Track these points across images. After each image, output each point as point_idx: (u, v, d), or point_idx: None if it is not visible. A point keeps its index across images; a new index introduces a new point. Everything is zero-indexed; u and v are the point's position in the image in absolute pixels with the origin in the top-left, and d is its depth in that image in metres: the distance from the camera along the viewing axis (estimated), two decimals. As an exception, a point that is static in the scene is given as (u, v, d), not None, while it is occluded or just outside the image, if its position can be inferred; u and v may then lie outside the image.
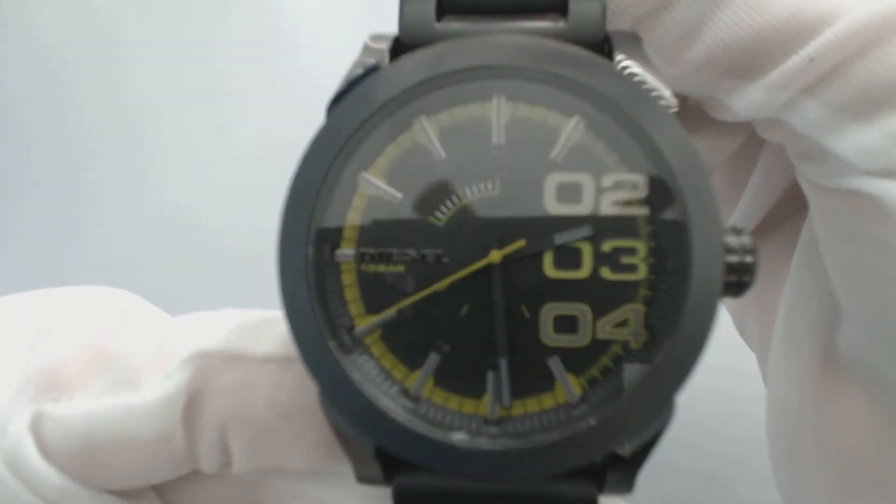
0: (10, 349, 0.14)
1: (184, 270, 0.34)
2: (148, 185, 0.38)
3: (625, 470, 0.12)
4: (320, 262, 0.12)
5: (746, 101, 0.13)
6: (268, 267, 0.22)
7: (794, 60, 0.12)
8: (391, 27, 0.14)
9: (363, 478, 0.13)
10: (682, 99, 0.14)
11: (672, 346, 0.11)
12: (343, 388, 0.12)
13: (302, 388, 0.13)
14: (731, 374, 0.21)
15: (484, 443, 0.11)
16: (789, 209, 0.16)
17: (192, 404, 0.13)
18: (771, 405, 0.16)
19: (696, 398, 0.27)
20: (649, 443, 0.11)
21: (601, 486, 0.12)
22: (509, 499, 0.12)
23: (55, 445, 0.13)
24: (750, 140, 0.16)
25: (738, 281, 0.11)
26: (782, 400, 0.16)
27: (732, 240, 0.11)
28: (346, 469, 0.13)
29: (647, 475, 0.28)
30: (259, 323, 0.14)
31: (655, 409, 0.11)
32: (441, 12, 0.13)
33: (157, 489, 0.15)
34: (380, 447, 0.12)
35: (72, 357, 0.14)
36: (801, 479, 0.15)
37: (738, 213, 0.17)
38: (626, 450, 0.11)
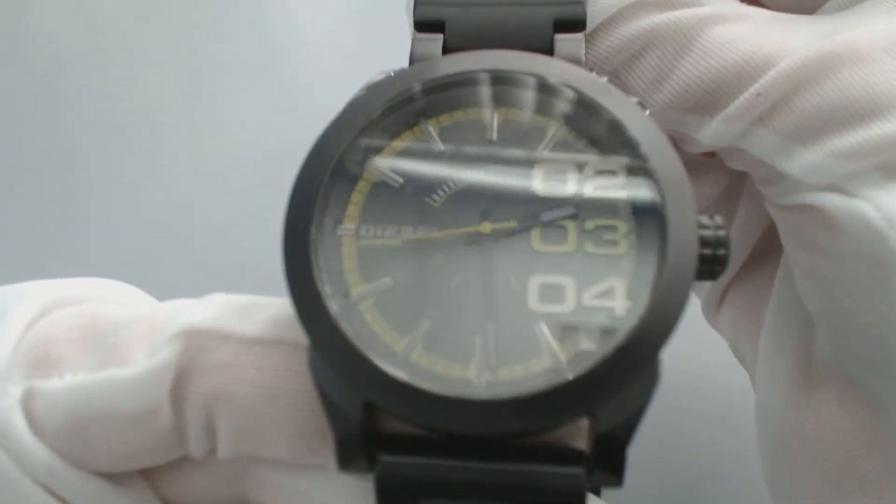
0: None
1: (179, 272, 0.34)
2: (143, 186, 0.38)
3: (611, 451, 0.12)
4: (323, 234, 0.13)
5: (708, 133, 0.15)
6: (265, 268, 0.22)
7: (745, 96, 0.15)
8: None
9: (345, 461, 0.13)
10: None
11: (650, 314, 0.12)
12: (335, 342, 0.12)
13: (288, 371, 0.13)
14: (736, 371, 0.21)
15: (471, 393, 0.12)
16: (774, 241, 0.18)
17: (179, 381, 0.14)
18: (758, 414, 0.18)
19: (700, 394, 0.27)
20: (634, 415, 0.12)
21: (589, 474, 0.12)
22: (496, 487, 0.12)
23: (44, 422, 0.14)
24: (732, 185, 0.19)
25: (713, 254, 0.13)
26: (767, 409, 0.17)
27: (705, 219, 0.13)
28: (331, 463, 0.13)
29: (648, 471, 0.28)
30: (248, 306, 0.14)
31: (636, 372, 0.12)
32: (445, 50, 0.15)
33: (147, 476, 0.15)
34: (367, 403, 0.12)
35: (63, 335, 0.15)
36: (786, 481, 0.16)
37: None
38: (606, 425, 0.12)
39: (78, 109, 0.40)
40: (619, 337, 0.12)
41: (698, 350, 0.23)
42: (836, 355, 0.15)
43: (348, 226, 0.14)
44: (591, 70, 0.14)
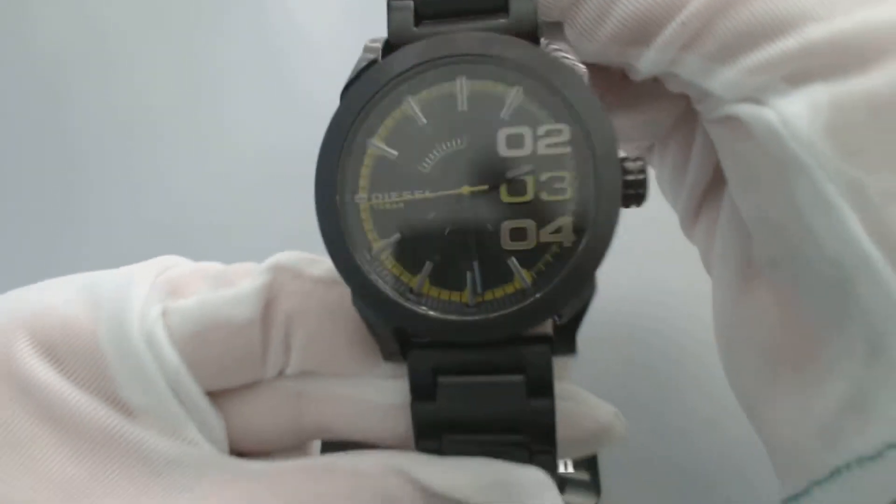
0: (137, 269, 0.19)
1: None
2: (143, 186, 0.38)
3: (566, 333, 0.17)
4: (344, 204, 0.17)
5: (646, 61, 0.18)
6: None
7: (672, 26, 0.17)
8: (380, 32, 0.18)
9: (387, 355, 0.18)
10: (625, 79, 0.20)
11: (590, 241, 0.16)
12: (367, 288, 0.17)
13: (341, 299, 0.18)
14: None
15: (466, 317, 0.17)
16: None
17: (269, 302, 0.18)
18: (713, 310, 0.21)
19: (703, 394, 0.27)
20: (579, 313, 0.17)
21: (553, 349, 0.17)
22: (492, 363, 0.17)
23: (176, 331, 0.18)
24: (689, 111, 0.21)
25: (634, 193, 0.17)
26: (719, 304, 0.20)
27: (629, 164, 0.17)
28: (378, 372, 0.19)
29: (649, 473, 0.28)
30: (310, 258, 0.19)
31: (581, 285, 0.16)
32: (417, 19, 0.18)
33: (219, 406, 0.19)
34: (396, 328, 0.17)
35: (186, 276, 0.19)
36: (733, 363, 0.20)
37: (690, 174, 0.22)
38: (563, 317, 0.17)
39: (78, 109, 0.40)
40: (568, 262, 0.16)
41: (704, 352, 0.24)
42: (762, 249, 0.18)
43: (362, 195, 0.17)
44: (539, 21, 0.17)
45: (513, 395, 0.17)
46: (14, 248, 0.37)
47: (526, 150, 0.17)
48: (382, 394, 0.19)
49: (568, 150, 0.17)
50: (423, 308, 0.17)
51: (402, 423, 0.19)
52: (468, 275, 0.17)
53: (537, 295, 0.16)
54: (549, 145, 0.17)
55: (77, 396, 0.18)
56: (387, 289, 0.17)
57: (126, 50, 0.42)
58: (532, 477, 0.17)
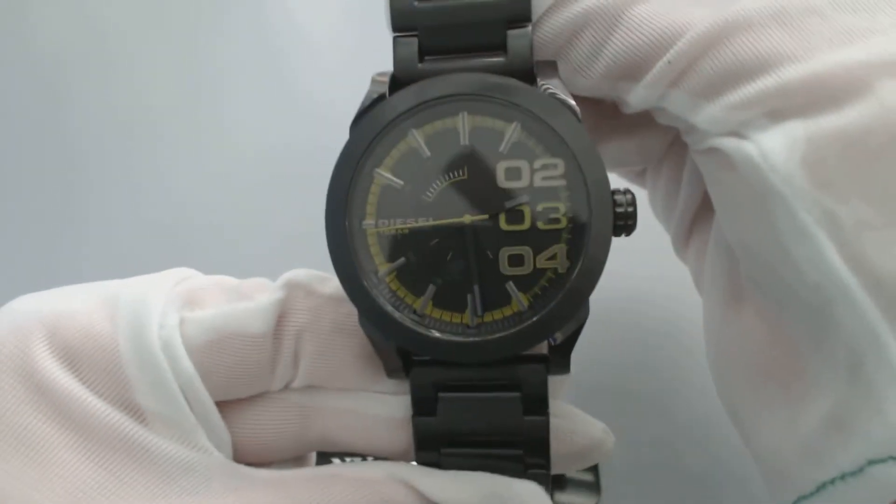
0: (156, 279, 0.20)
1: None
2: (142, 186, 0.38)
3: (561, 354, 0.18)
4: (353, 230, 0.18)
5: (636, 96, 0.19)
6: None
7: (660, 64, 0.18)
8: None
9: (390, 371, 0.19)
10: (617, 109, 0.21)
11: (583, 267, 0.17)
12: (373, 310, 0.18)
13: (350, 316, 0.19)
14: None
15: (467, 338, 0.18)
16: None
17: (281, 317, 0.19)
18: (704, 330, 0.22)
19: (704, 396, 0.27)
20: (574, 334, 0.18)
21: (548, 369, 0.18)
22: (490, 381, 0.19)
23: (192, 340, 0.19)
24: (679, 139, 0.21)
25: (624, 224, 0.18)
26: (709, 324, 0.21)
27: (619, 196, 0.18)
28: (381, 387, 0.20)
29: (650, 473, 0.28)
30: (320, 276, 0.20)
31: (575, 309, 0.18)
32: (421, 55, 0.19)
33: (224, 414, 0.20)
34: (399, 346, 0.18)
35: (203, 287, 0.20)
36: (723, 381, 0.21)
37: (681, 199, 0.23)
38: (558, 338, 0.18)
39: (78, 109, 0.40)
40: (563, 287, 0.18)
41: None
42: (748, 273, 0.19)
43: (369, 221, 0.18)
44: (535, 60, 0.18)
45: (509, 410, 0.19)
46: (14, 248, 0.37)
47: (523, 182, 0.18)
48: (385, 408, 0.19)
49: (562, 182, 0.18)
50: (426, 329, 0.18)
51: (403, 436, 0.19)
52: (469, 297, 0.18)
53: (534, 318, 0.18)
54: (544, 178, 0.18)
55: (92, 400, 0.18)
56: (392, 310, 0.18)
57: (126, 50, 0.42)
58: (527, 490, 0.18)
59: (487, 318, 0.18)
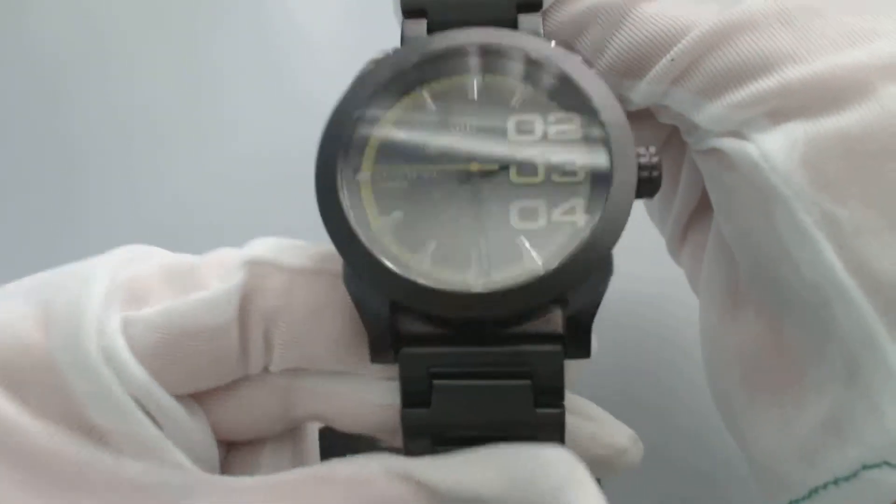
0: (94, 272, 0.17)
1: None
2: (142, 186, 0.38)
3: (581, 328, 0.16)
4: (346, 181, 0.16)
5: (639, 93, 0.19)
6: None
7: (663, 62, 0.18)
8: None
9: (376, 353, 0.16)
10: None
11: (603, 223, 0.15)
12: (364, 258, 0.16)
13: (328, 293, 0.17)
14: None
15: (470, 289, 0.15)
16: None
17: (245, 301, 0.17)
18: (700, 333, 0.21)
19: (706, 395, 0.27)
20: (593, 304, 0.16)
21: (566, 350, 0.16)
22: (495, 364, 0.16)
23: (139, 343, 0.16)
24: (672, 141, 0.21)
25: (649, 176, 0.16)
26: (706, 327, 0.21)
27: (642, 150, 0.16)
28: (362, 367, 0.17)
29: (650, 473, 0.28)
30: (291, 245, 0.18)
31: (593, 264, 0.15)
32: (430, 30, 0.18)
33: (202, 404, 0.18)
34: (393, 302, 0.16)
35: (148, 276, 0.18)
36: (718, 385, 0.20)
37: (678, 199, 0.22)
38: (574, 306, 0.16)
39: (78, 109, 0.40)
40: (580, 241, 0.15)
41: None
42: (748, 274, 0.19)
43: (365, 173, 0.17)
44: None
45: (517, 401, 0.16)
46: (14, 248, 0.37)
47: (536, 136, 0.17)
48: (372, 393, 0.18)
49: (579, 135, 0.17)
50: (424, 280, 0.15)
51: (396, 418, 0.17)
52: (473, 253, 0.16)
53: (548, 270, 0.15)
54: (559, 132, 0.17)
55: (37, 427, 0.16)
56: (386, 261, 0.16)
57: (126, 50, 0.42)
58: (560, 458, 0.15)
59: (494, 275, 0.16)
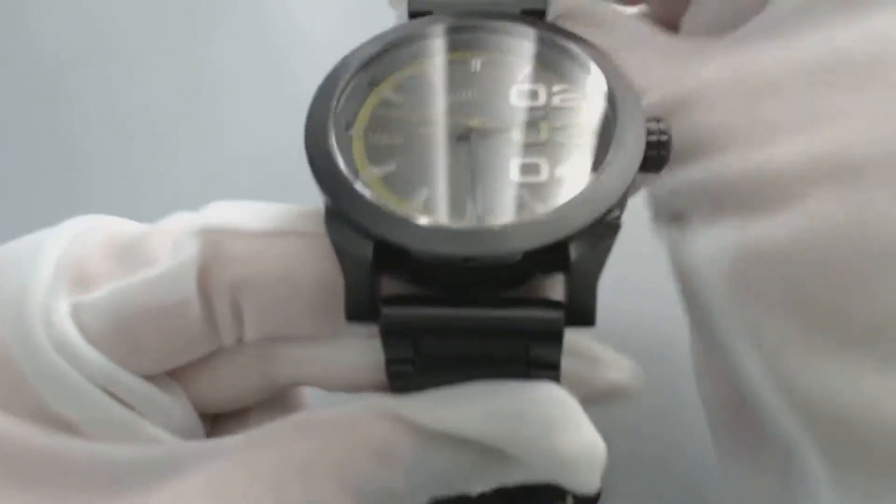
0: (42, 250, 0.16)
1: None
2: (142, 186, 0.38)
3: (583, 289, 0.14)
4: (338, 134, 0.16)
5: None
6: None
7: None
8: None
9: (353, 313, 0.15)
10: None
11: (607, 176, 0.14)
12: (350, 196, 0.14)
13: (296, 256, 0.16)
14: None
15: (465, 225, 0.14)
16: None
17: (203, 273, 0.15)
18: (691, 352, 0.21)
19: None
20: (596, 262, 0.14)
21: (567, 318, 0.14)
22: (490, 329, 0.14)
23: (94, 329, 0.15)
24: None
25: (657, 141, 0.15)
26: (692, 349, 0.20)
27: (651, 123, 0.15)
28: (341, 328, 0.16)
29: (650, 473, 0.28)
30: (251, 208, 0.17)
31: (596, 210, 0.14)
32: None
33: (179, 379, 0.17)
34: (378, 242, 0.14)
35: (95, 254, 0.16)
36: (704, 407, 0.20)
37: None
38: (575, 258, 0.14)
39: (78, 109, 0.40)
40: (584, 191, 0.14)
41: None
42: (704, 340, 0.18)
43: (358, 128, 0.16)
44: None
45: (509, 367, 0.15)
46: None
47: (540, 102, 0.16)
48: (356, 353, 0.16)
49: (585, 104, 0.16)
50: (415, 216, 0.14)
51: (381, 374, 0.16)
52: (468, 201, 0.15)
53: (548, 213, 0.14)
54: (564, 100, 0.16)
55: (4, 423, 0.15)
56: (374, 198, 0.14)
57: (126, 50, 0.42)
58: (551, 396, 0.15)
59: (491, 220, 0.15)
